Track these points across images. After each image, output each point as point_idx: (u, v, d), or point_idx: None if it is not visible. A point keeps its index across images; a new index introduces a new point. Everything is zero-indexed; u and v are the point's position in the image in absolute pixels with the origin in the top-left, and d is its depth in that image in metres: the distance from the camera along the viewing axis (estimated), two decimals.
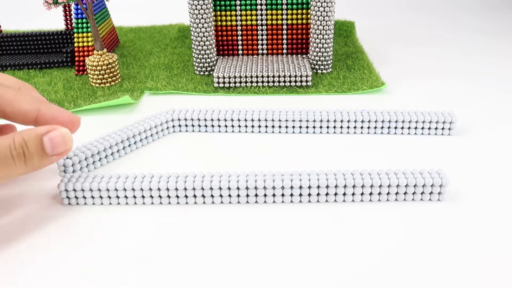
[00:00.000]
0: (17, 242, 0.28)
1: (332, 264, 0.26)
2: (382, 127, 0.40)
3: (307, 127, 0.41)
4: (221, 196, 0.31)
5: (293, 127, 0.41)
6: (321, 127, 0.41)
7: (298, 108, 0.42)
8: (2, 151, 0.27)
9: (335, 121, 0.40)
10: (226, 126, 0.41)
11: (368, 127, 0.40)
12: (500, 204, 0.31)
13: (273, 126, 0.41)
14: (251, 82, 0.50)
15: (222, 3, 0.54)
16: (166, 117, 0.41)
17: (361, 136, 0.40)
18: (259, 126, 0.41)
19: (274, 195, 0.31)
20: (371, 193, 0.31)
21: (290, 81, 0.50)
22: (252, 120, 0.41)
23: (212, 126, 0.41)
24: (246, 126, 0.41)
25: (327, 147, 0.39)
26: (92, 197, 0.31)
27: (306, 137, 0.40)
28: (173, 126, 0.41)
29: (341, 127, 0.41)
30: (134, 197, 0.31)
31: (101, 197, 0.31)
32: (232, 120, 0.41)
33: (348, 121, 0.40)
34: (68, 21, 0.63)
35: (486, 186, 0.33)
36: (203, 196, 0.31)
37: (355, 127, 0.40)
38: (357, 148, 0.38)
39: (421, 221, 0.29)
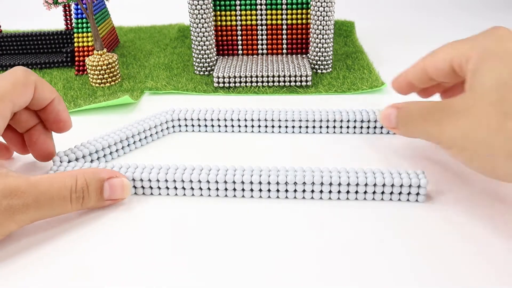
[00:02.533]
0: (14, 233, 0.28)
1: (308, 260, 0.26)
2: (382, 127, 0.40)
3: (306, 127, 0.41)
4: (209, 189, 0.32)
5: (293, 127, 0.41)
6: (321, 127, 0.41)
7: (298, 108, 0.42)
8: (62, 193, 0.28)
9: (335, 121, 0.40)
10: (226, 126, 0.41)
11: (368, 127, 0.40)
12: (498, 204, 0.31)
13: (273, 126, 0.41)
14: (251, 82, 0.50)
15: (222, 3, 0.54)
16: (166, 117, 0.41)
17: (361, 136, 0.40)
18: (259, 126, 0.41)
19: (252, 189, 0.32)
20: (348, 192, 0.31)
21: (290, 81, 0.50)
22: (252, 120, 0.41)
23: (212, 126, 0.41)
24: (246, 126, 0.41)
25: (326, 147, 0.39)
26: None
27: (306, 137, 0.40)
28: (173, 126, 0.41)
29: (341, 127, 0.41)
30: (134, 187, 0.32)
31: None
32: (232, 120, 0.41)
33: (348, 121, 0.40)
34: (68, 21, 0.63)
35: (487, 186, 0.33)
36: (190, 188, 0.32)
37: (355, 127, 0.40)
38: (357, 148, 0.38)
39: (400, 222, 0.29)
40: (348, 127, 0.40)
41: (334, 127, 0.41)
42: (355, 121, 0.40)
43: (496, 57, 0.27)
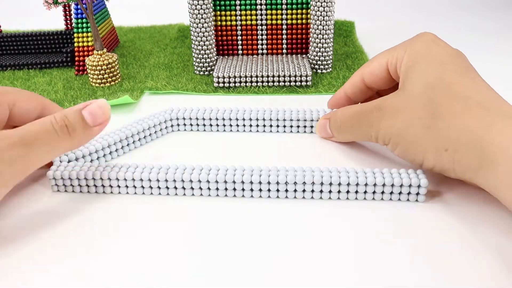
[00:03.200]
0: (8, 228, 0.29)
1: (308, 260, 0.26)
2: None
3: (304, 126, 0.41)
4: (209, 189, 0.32)
5: (291, 126, 0.41)
6: None
7: (298, 108, 0.42)
8: (44, 126, 0.29)
9: None
10: (224, 125, 0.41)
11: None
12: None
13: (271, 126, 0.41)
14: (251, 82, 0.50)
15: (222, 3, 0.54)
16: (165, 116, 0.41)
17: None
18: (257, 126, 0.41)
19: (260, 189, 0.32)
20: (348, 192, 0.31)
21: (290, 81, 0.50)
22: (251, 119, 0.41)
23: (211, 125, 0.41)
24: (244, 125, 0.41)
25: (326, 147, 0.39)
26: (79, 185, 0.33)
27: (306, 137, 0.40)
28: (172, 126, 0.41)
29: None
30: (118, 186, 0.33)
31: (87, 185, 0.33)
32: (231, 119, 0.41)
33: None
34: (68, 21, 0.63)
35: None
36: (182, 187, 0.32)
37: None
38: (357, 147, 0.38)
39: (400, 222, 0.29)
40: None
41: None
42: None
43: (425, 61, 0.31)
